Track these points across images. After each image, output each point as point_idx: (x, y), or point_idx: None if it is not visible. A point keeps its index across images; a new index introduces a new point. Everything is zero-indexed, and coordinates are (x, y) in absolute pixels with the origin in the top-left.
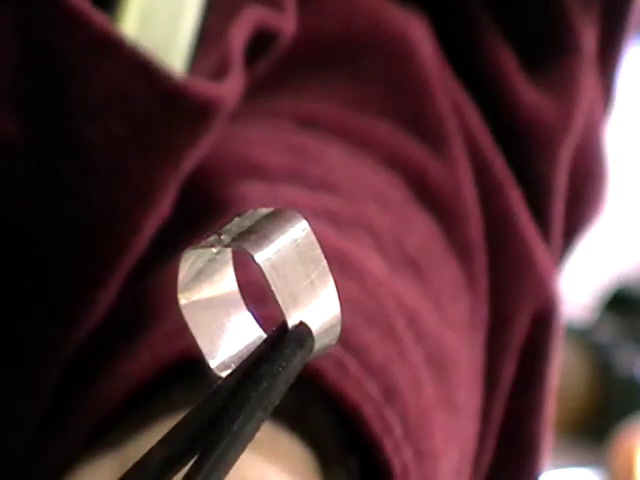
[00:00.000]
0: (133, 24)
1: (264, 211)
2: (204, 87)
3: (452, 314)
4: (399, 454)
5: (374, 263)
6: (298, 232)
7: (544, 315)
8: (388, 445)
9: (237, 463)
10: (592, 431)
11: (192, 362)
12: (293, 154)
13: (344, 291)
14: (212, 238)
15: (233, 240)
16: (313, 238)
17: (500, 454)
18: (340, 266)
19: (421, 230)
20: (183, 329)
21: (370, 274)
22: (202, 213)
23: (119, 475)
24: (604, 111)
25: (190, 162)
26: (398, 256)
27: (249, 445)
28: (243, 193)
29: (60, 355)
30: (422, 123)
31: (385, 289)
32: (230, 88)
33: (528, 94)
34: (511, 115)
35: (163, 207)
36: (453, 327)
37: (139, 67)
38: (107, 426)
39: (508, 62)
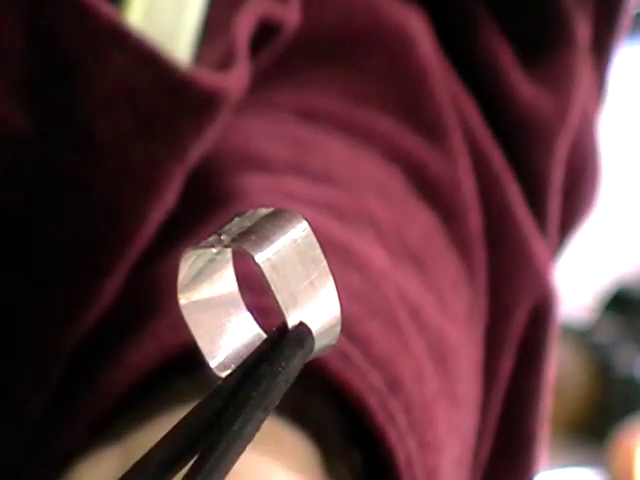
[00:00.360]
0: (139, 15)
1: (264, 211)
2: (210, 78)
3: (453, 306)
4: (403, 444)
5: (376, 255)
6: (298, 232)
7: (541, 308)
8: (392, 435)
9: (240, 458)
10: (592, 431)
11: (196, 353)
12: (295, 147)
13: (347, 282)
14: (212, 238)
15: (233, 240)
16: (313, 238)
17: (498, 447)
18: (342, 258)
19: (422, 223)
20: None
21: (372, 266)
22: (205, 205)
23: (122, 466)
24: (598, 105)
25: (196, 153)
26: (399, 248)
27: (253, 439)
28: (245, 185)
29: (65, 344)
30: (422, 117)
31: (387, 281)
32: (235, 79)
33: (525, 88)
34: (508, 109)
35: (168, 197)
36: (454, 319)
37: (145, 58)
38: (111, 417)
39: (505, 56)
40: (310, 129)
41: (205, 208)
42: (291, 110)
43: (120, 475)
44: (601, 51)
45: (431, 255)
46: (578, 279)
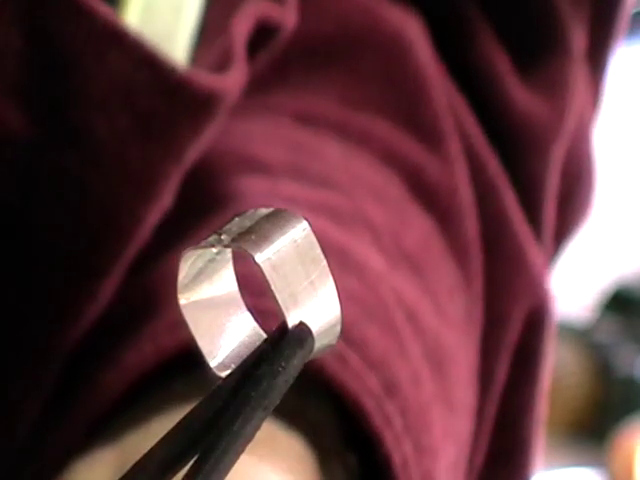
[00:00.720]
0: (136, 15)
1: (264, 211)
2: (207, 79)
3: (449, 311)
4: (399, 448)
5: (374, 259)
6: (298, 232)
7: (537, 315)
8: (388, 438)
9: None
10: (592, 431)
11: (193, 354)
12: (292, 150)
13: (344, 286)
14: (212, 238)
15: (233, 240)
16: (313, 238)
17: (493, 452)
18: (340, 261)
19: (419, 228)
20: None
21: (370, 269)
22: (203, 207)
23: (117, 468)
24: (593, 111)
25: (193, 154)
26: (396, 253)
27: (252, 439)
28: (243, 188)
29: (62, 344)
30: (419, 121)
31: (385, 284)
32: (233, 80)
33: (520, 95)
34: (503, 116)
35: (165, 198)
36: (450, 324)
37: (143, 58)
38: (108, 417)
39: (501, 63)
40: (307, 132)
41: (203, 210)
42: (288, 113)
43: (115, 477)
44: (597, 58)
45: (428, 260)
46: (578, 279)
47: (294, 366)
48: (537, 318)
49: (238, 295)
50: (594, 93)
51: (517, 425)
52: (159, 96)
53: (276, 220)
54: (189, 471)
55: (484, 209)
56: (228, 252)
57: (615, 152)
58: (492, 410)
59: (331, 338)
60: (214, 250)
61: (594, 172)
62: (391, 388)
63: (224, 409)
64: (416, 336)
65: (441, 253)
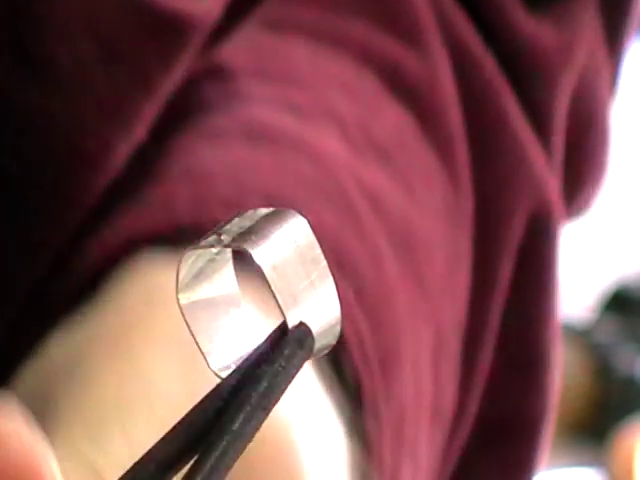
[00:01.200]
0: None
1: (264, 211)
2: (176, 2)
3: (425, 200)
4: (353, 325)
5: (335, 148)
6: (298, 232)
7: (540, 218)
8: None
9: None
10: (592, 431)
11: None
12: (256, 52)
13: (296, 169)
14: (212, 238)
15: (233, 240)
16: (313, 238)
17: (505, 365)
18: (295, 149)
19: (392, 119)
20: (151, 203)
21: (327, 156)
22: (160, 120)
23: (95, 323)
24: (611, 84)
25: (167, 87)
26: (364, 144)
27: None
28: (201, 95)
29: (37, 277)
30: (396, 18)
31: (344, 170)
32: (206, 6)
33: (528, 24)
34: (511, 43)
35: (139, 131)
36: (425, 210)
37: None
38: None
39: None
40: (274, 36)
41: (162, 123)
42: (257, 20)
43: (94, 329)
44: (614, 28)
45: (400, 150)
46: (578, 279)
47: (294, 366)
48: (540, 222)
49: (238, 295)
50: (612, 68)
51: (532, 335)
52: (123, 19)
53: (276, 220)
54: (189, 471)
55: (474, 103)
56: (228, 252)
57: (616, 151)
58: (496, 313)
59: (331, 338)
60: (214, 250)
61: (608, 120)
62: (345, 267)
63: (224, 409)
64: (378, 217)
65: (417, 143)
